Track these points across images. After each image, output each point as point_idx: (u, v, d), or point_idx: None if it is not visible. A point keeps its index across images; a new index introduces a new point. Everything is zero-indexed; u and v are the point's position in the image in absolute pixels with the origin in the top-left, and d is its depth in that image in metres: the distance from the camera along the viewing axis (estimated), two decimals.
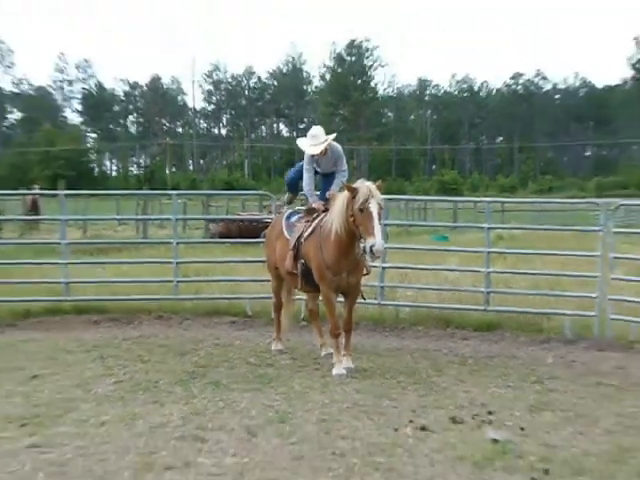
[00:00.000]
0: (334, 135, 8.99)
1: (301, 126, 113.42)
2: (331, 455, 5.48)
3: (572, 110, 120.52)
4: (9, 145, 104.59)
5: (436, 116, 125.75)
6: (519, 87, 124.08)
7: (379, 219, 7.51)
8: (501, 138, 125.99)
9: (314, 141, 8.71)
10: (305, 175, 8.89)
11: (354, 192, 7.60)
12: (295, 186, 9.48)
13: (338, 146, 8.90)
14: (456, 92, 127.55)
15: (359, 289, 8.37)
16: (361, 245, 7.67)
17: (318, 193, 9.00)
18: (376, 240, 7.32)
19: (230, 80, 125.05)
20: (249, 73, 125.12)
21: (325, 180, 9.08)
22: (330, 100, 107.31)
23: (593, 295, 9.98)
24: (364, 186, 7.60)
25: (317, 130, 8.81)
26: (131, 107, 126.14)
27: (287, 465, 5.29)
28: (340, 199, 7.88)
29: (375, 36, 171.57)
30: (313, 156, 8.78)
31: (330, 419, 6.35)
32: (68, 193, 15.40)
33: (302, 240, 8.39)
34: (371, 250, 7.35)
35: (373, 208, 7.46)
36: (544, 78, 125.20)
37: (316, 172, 9.04)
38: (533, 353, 9.29)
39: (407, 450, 5.60)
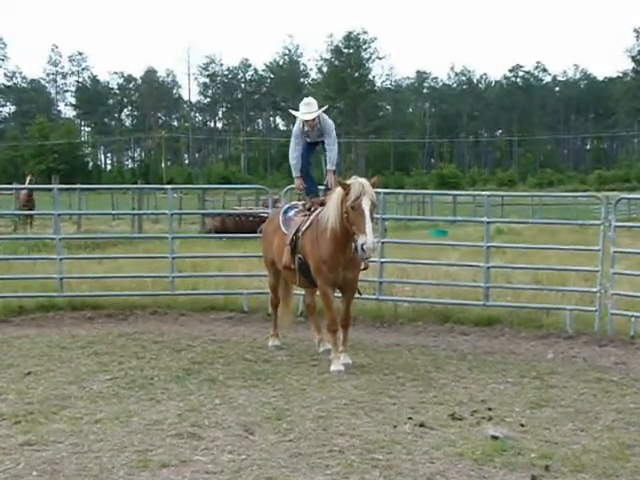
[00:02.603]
0: (326, 107, 9.19)
1: None
2: (329, 452, 5.47)
3: (572, 102, 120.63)
4: (2, 139, 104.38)
5: (434, 109, 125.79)
6: (518, 79, 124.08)
7: (371, 216, 7.55)
8: (500, 131, 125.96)
9: (307, 109, 8.82)
10: (293, 147, 9.01)
11: (347, 189, 7.64)
12: (304, 169, 9.20)
13: (328, 118, 8.99)
14: (455, 84, 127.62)
15: (356, 284, 8.38)
16: (353, 243, 7.68)
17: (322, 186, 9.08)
18: (367, 238, 7.39)
19: (226, 73, 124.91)
20: (245, 66, 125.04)
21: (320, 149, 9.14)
22: (327, 93, 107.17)
23: (594, 290, 9.98)
24: (357, 183, 7.66)
25: (310, 99, 9.00)
26: (126, 100, 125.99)
27: (284, 462, 5.28)
28: (335, 195, 7.93)
29: (373, 28, 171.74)
30: (304, 128, 8.84)
31: (328, 416, 6.35)
32: (62, 187, 15.40)
33: (299, 234, 8.40)
34: (362, 248, 7.41)
35: (365, 206, 7.53)
36: (544, 70, 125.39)
37: (310, 145, 9.08)
38: (533, 349, 9.29)
39: (406, 447, 5.60)
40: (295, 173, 9.01)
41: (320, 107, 8.91)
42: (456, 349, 9.18)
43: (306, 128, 8.86)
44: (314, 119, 8.77)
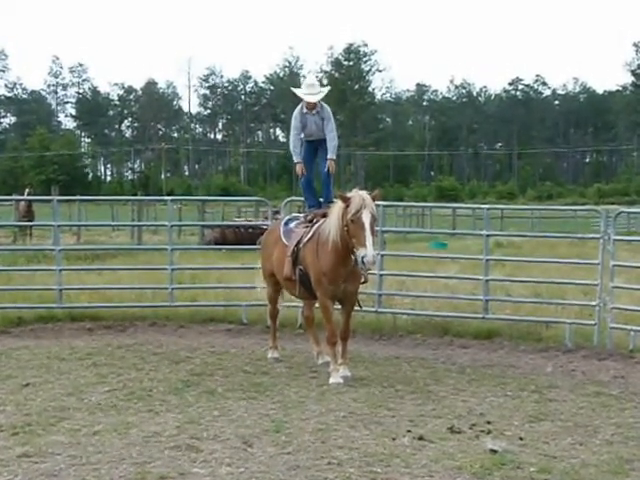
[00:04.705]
0: (329, 88, 9.29)
1: None
2: (327, 465, 5.46)
3: (571, 116, 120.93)
4: (2, 150, 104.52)
5: (434, 121, 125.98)
6: (518, 92, 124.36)
7: (372, 229, 7.57)
8: (500, 144, 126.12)
9: (311, 90, 8.88)
10: (292, 133, 9.08)
11: (347, 202, 7.66)
12: (307, 158, 9.21)
13: (327, 105, 9.05)
14: (454, 97, 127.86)
15: (356, 297, 8.39)
16: (353, 256, 7.70)
17: (321, 200, 9.10)
18: (367, 251, 7.43)
19: (226, 84, 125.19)
20: (245, 77, 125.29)
21: (321, 150, 9.14)
22: None
23: (593, 303, 9.98)
24: (357, 196, 7.69)
25: (313, 80, 9.11)
26: (126, 111, 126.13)
27: (283, 475, 5.28)
28: (336, 208, 7.96)
29: (373, 40, 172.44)
30: (303, 110, 8.90)
31: (327, 428, 6.34)
32: (61, 198, 15.41)
33: (301, 246, 8.42)
34: (362, 261, 7.44)
35: (365, 219, 7.56)
36: (543, 83, 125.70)
37: (310, 148, 9.15)
38: (532, 362, 9.28)
39: (404, 460, 5.59)
40: (295, 158, 9.05)
41: (322, 89, 9.00)
42: (455, 362, 9.17)
43: (305, 110, 8.93)
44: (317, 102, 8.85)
